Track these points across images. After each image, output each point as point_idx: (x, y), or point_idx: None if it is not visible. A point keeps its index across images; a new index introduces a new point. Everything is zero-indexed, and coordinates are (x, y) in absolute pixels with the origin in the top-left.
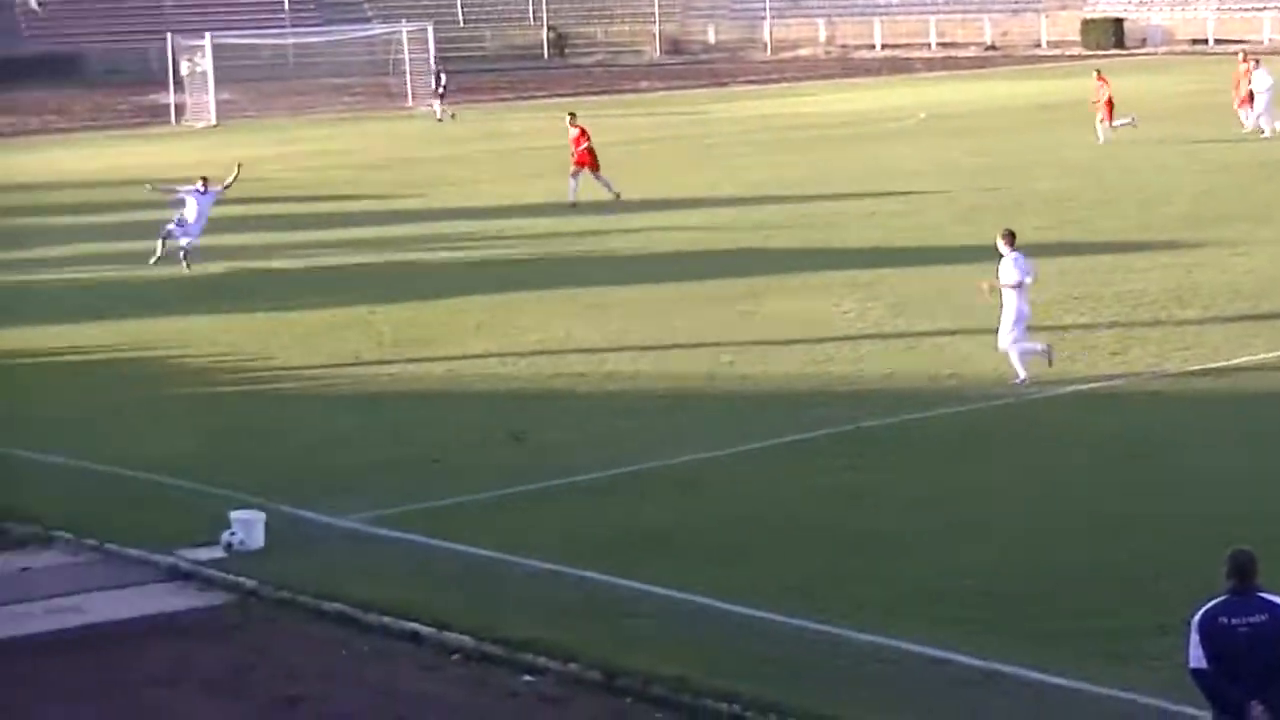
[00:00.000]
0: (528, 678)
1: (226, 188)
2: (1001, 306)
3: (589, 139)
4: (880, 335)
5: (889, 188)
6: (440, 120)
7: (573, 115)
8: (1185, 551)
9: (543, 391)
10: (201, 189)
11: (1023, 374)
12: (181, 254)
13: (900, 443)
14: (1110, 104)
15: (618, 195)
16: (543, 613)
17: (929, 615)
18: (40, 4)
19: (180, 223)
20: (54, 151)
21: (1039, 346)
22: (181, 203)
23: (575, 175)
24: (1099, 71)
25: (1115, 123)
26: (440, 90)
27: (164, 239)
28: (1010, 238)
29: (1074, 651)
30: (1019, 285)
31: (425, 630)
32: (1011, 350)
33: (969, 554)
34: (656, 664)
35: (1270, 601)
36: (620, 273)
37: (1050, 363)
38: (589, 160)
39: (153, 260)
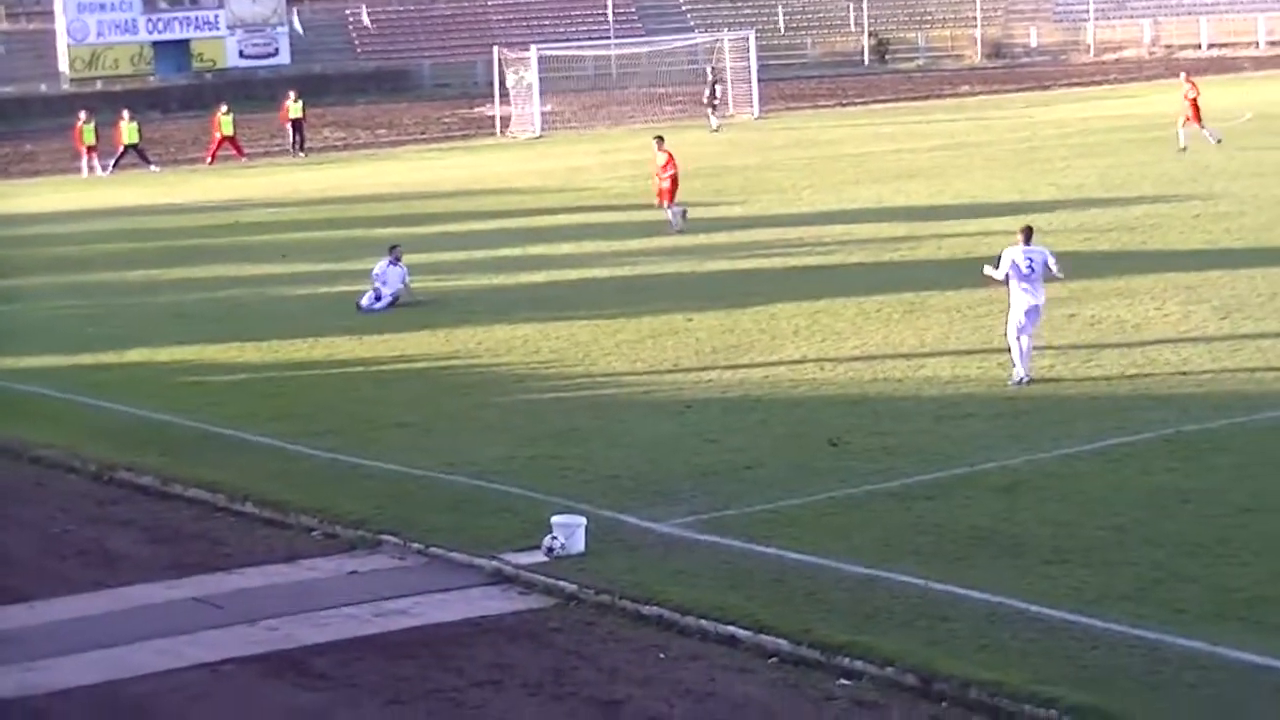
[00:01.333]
0: (844, 681)
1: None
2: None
3: (676, 167)
4: (1204, 338)
5: (1214, 189)
6: (715, 130)
7: (660, 139)
8: None
9: (860, 396)
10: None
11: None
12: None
13: (1225, 447)
14: None
15: (681, 230)
16: (859, 617)
17: (1254, 622)
18: (372, 21)
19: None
20: (382, 164)
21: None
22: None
23: (668, 207)
24: None
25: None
26: (714, 100)
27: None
28: (1027, 234)
29: None
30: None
31: (742, 634)
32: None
33: None
34: (974, 669)
35: None
36: (937, 277)
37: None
38: (672, 192)
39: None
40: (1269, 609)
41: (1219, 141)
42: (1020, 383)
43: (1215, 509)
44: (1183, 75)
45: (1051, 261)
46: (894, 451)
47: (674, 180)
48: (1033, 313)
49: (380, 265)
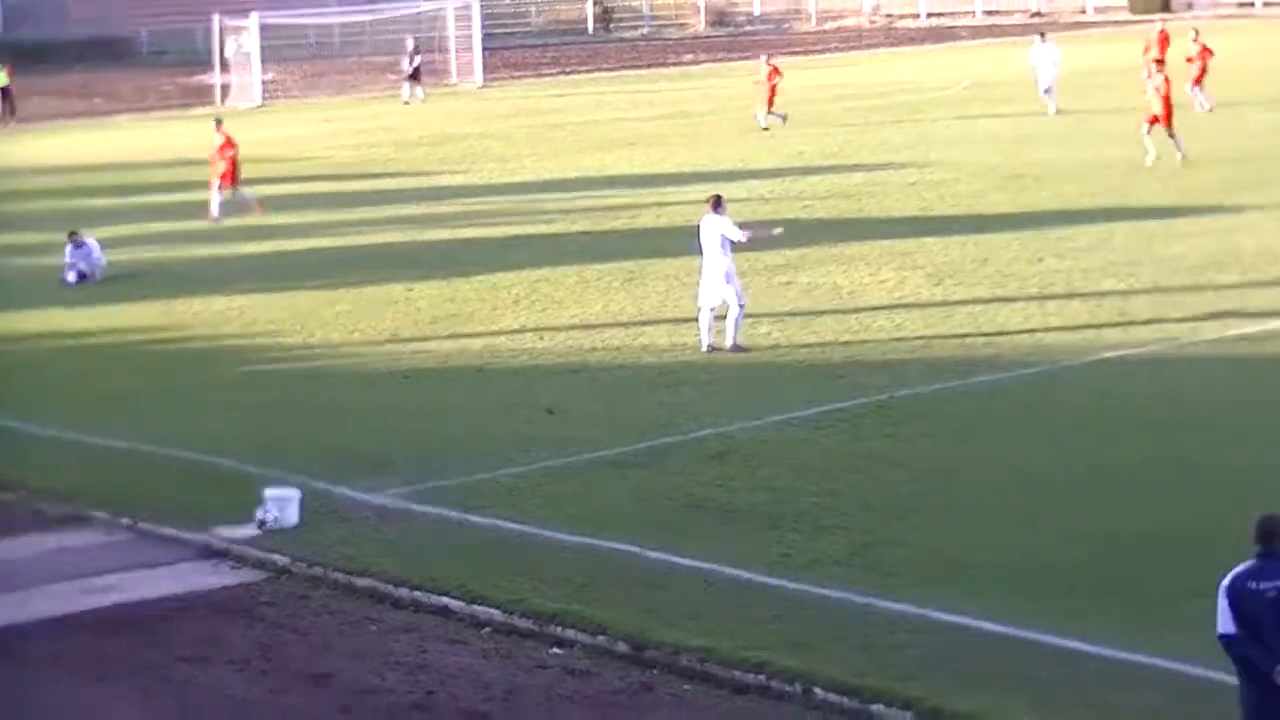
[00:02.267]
0: (556, 650)
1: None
2: None
3: (235, 148)
4: (918, 304)
5: (931, 157)
6: (407, 103)
7: (219, 121)
8: (1220, 515)
9: (579, 365)
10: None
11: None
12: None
13: (937, 411)
14: (1203, 72)
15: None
16: (573, 585)
17: (960, 584)
18: None
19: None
20: (98, 133)
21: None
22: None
23: (222, 190)
24: (1196, 32)
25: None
26: (411, 71)
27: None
28: (715, 202)
29: (1104, 617)
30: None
31: (455, 604)
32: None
33: (999, 522)
34: (686, 635)
35: None
36: (657, 245)
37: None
38: (232, 176)
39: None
40: (971, 571)
41: (780, 120)
42: (709, 350)
43: (924, 474)
44: (764, 58)
45: (731, 232)
46: (612, 420)
47: (233, 163)
48: (718, 281)
49: (67, 253)
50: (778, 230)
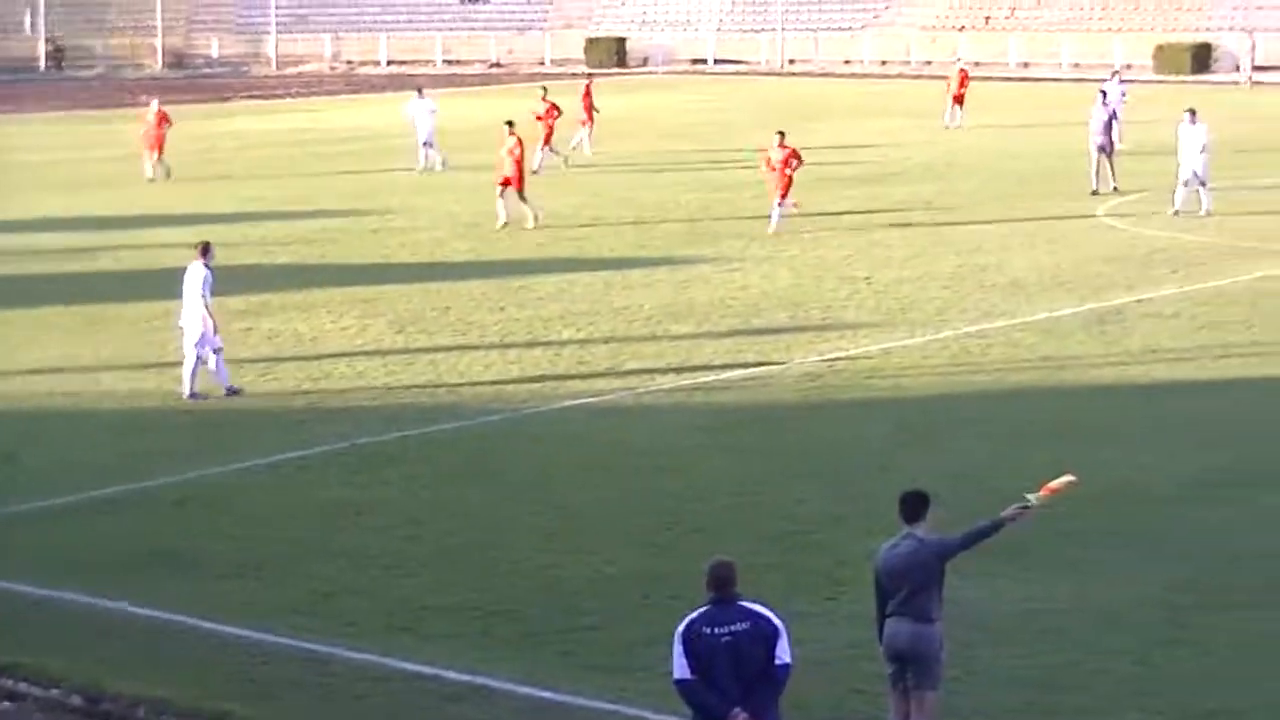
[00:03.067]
0: (7, 704)
1: None
2: None
3: None
4: (380, 352)
5: (393, 204)
6: None
7: None
8: (678, 561)
9: (37, 410)
10: None
11: (189, 388)
12: None
13: (399, 459)
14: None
15: None
16: (26, 637)
17: (422, 632)
18: None
19: None
20: None
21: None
22: None
23: None
24: (545, 90)
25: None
26: None
27: None
28: (204, 249)
29: (565, 664)
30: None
31: None
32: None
33: (465, 569)
34: (143, 686)
35: (751, 610)
36: (116, 289)
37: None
38: None
39: None
40: (435, 618)
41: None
42: (194, 398)
43: (387, 522)
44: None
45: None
46: (69, 467)
47: None
48: (199, 326)
49: None
50: None
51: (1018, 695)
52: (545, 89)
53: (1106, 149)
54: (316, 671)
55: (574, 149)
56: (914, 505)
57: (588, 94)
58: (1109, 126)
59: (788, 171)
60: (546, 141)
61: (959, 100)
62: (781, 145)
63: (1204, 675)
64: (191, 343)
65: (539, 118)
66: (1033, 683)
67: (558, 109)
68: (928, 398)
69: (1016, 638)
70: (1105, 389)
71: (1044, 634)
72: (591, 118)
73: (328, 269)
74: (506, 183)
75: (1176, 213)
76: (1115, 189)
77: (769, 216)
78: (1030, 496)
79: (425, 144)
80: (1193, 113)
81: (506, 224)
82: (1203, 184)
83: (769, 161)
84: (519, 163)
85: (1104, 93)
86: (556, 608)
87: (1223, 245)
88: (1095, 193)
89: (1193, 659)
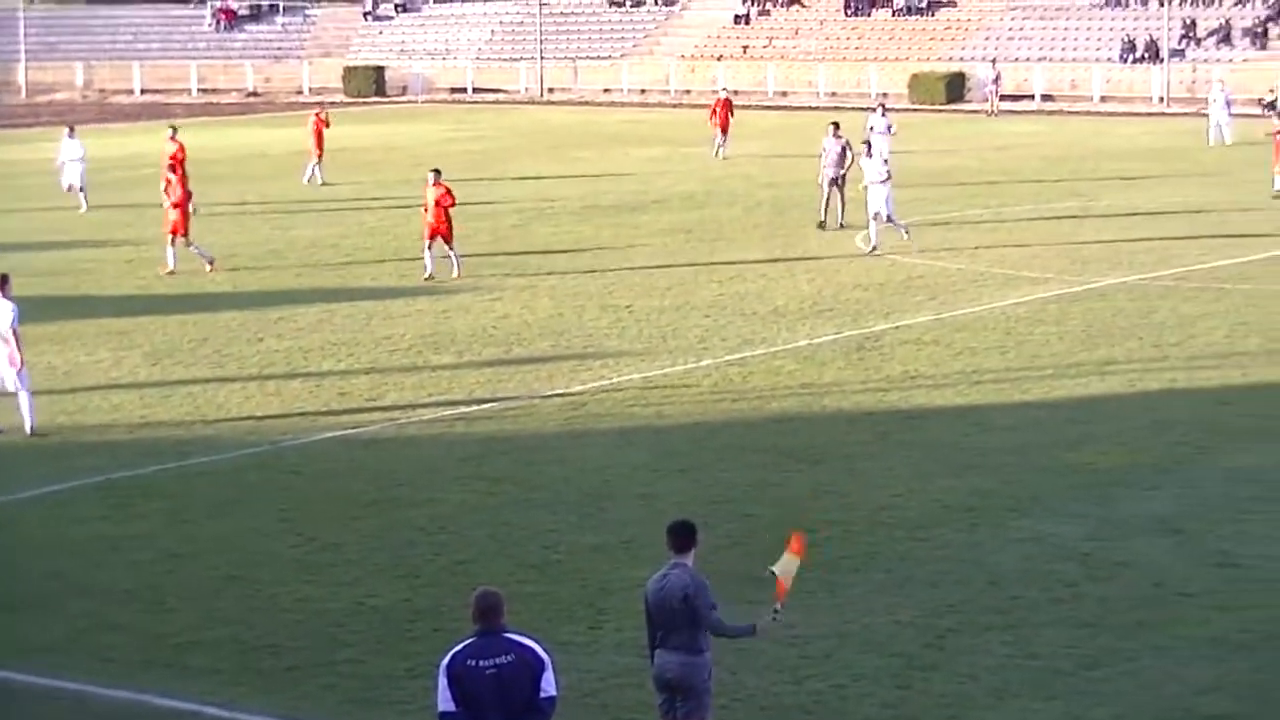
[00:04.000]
0: None
1: None
2: None
3: None
4: (135, 384)
5: (147, 235)
6: None
7: None
8: (441, 593)
9: None
10: None
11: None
12: None
13: (156, 493)
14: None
15: None
16: None
17: (181, 667)
18: None
19: None
20: None
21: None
22: None
23: None
24: (174, 130)
25: None
26: None
27: None
28: (2, 281)
29: (326, 697)
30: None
31: None
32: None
33: (224, 604)
34: None
35: (516, 641)
36: None
37: None
38: None
39: None
40: (195, 653)
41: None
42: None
43: (146, 556)
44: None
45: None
46: None
47: None
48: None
49: None
50: None
51: None
52: (175, 128)
53: (838, 182)
54: (71, 709)
55: (307, 182)
56: (682, 536)
57: (319, 125)
58: (841, 159)
59: (443, 210)
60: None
61: (724, 128)
62: (436, 184)
63: (961, 697)
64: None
65: (173, 157)
66: (799, 708)
67: (183, 150)
68: (689, 425)
69: (781, 664)
70: (864, 415)
71: (808, 660)
72: (321, 149)
73: (81, 301)
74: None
75: (875, 250)
76: (842, 225)
77: (424, 260)
78: (773, 570)
79: (72, 187)
80: (868, 144)
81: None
82: (889, 218)
83: (426, 204)
84: (181, 208)
85: (835, 124)
86: (317, 641)
87: (978, 273)
88: (823, 225)
89: (950, 682)
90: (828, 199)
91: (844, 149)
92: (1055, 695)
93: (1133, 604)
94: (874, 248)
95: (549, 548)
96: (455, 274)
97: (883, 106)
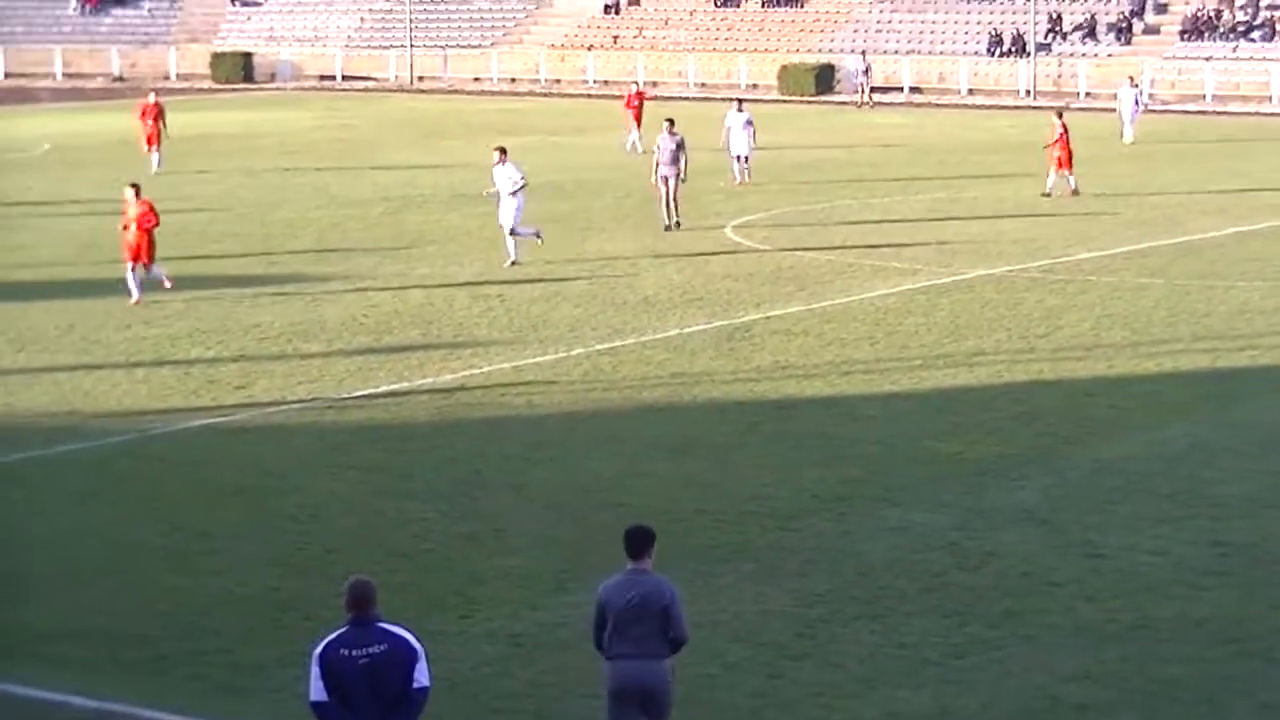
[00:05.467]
0: None
1: None
2: None
3: None
4: (2, 371)
5: (14, 220)
6: None
7: None
8: (310, 583)
9: None
10: None
11: None
12: None
13: (22, 481)
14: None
15: None
16: None
17: (46, 657)
18: None
19: None
20: None
21: None
22: None
23: None
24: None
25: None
26: None
27: None
28: None
29: (195, 688)
30: None
31: None
32: None
33: (90, 593)
34: None
35: (389, 631)
36: None
37: None
38: None
39: None
40: (61, 643)
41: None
42: None
43: (9, 546)
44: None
45: None
46: None
47: None
48: None
49: None
50: None
51: None
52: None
53: (670, 180)
54: None
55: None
56: (639, 541)
57: (155, 112)
58: (676, 158)
59: (146, 232)
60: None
61: (639, 120)
62: (139, 200)
63: (831, 686)
64: None
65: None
66: None
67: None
68: (559, 415)
69: None
70: (734, 405)
71: None
72: (159, 136)
73: None
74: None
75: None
76: (678, 224)
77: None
78: None
79: None
80: (503, 151)
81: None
82: (512, 231)
83: (126, 221)
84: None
85: (670, 120)
86: (186, 630)
87: (847, 264)
88: (668, 228)
89: (820, 670)
90: (665, 200)
91: (679, 146)
92: (924, 684)
93: (1000, 593)
94: (514, 261)
95: (419, 537)
96: (166, 285)
97: (739, 102)
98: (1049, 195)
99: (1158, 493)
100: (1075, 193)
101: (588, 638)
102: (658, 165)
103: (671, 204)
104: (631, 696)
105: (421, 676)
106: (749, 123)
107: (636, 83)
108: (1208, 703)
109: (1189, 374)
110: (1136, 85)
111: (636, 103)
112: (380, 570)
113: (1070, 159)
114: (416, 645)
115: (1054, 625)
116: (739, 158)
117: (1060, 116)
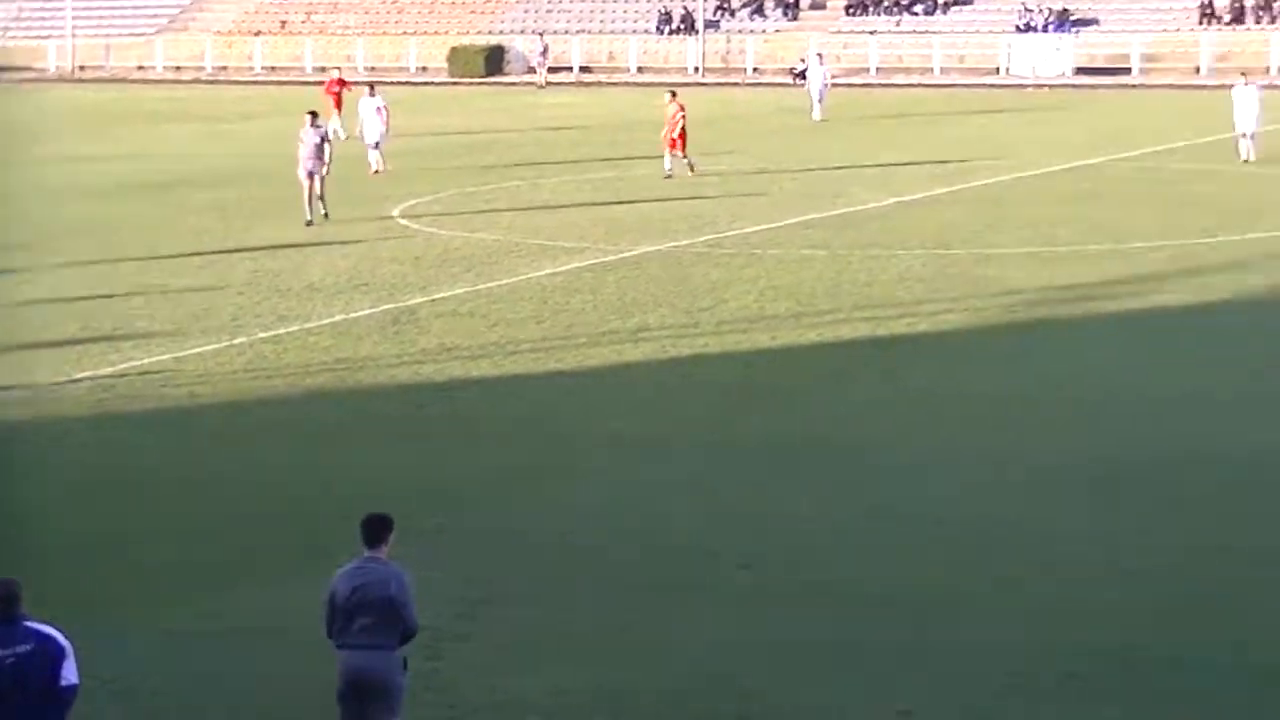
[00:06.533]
0: None
1: None
2: None
3: None
4: None
5: None
6: None
7: None
8: None
9: None
10: None
11: None
12: None
13: None
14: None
15: None
16: None
17: None
18: None
19: None
20: None
21: None
22: None
23: None
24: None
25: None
26: None
27: None
28: None
29: None
30: None
31: None
32: None
33: None
34: None
35: (36, 630)
36: None
37: None
38: None
39: None
40: None
41: None
42: None
43: None
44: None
45: None
46: None
47: None
48: None
49: None
50: None
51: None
52: None
53: (316, 173)
54: None
55: None
56: (375, 528)
57: None
58: (320, 151)
59: None
60: None
61: (339, 107)
62: None
63: (494, 666)
64: None
65: None
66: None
67: None
68: (223, 405)
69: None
70: (399, 388)
71: None
72: None
73: None
74: None
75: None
76: (325, 216)
77: None
78: None
79: None
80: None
81: None
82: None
83: None
84: None
85: (314, 113)
86: None
87: (514, 244)
88: (310, 223)
89: (483, 651)
90: (309, 195)
91: (323, 139)
92: (586, 661)
93: (661, 566)
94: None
95: (73, 534)
96: None
97: (371, 86)
98: (670, 177)
99: (819, 460)
100: (692, 168)
101: (247, 633)
102: (301, 160)
103: (316, 199)
104: (356, 687)
105: (70, 674)
106: (380, 109)
107: (338, 69)
108: (866, 667)
109: (851, 342)
110: (824, 63)
111: (337, 89)
112: (33, 569)
113: (684, 140)
114: (64, 643)
115: (715, 597)
116: (374, 145)
117: (674, 96)
